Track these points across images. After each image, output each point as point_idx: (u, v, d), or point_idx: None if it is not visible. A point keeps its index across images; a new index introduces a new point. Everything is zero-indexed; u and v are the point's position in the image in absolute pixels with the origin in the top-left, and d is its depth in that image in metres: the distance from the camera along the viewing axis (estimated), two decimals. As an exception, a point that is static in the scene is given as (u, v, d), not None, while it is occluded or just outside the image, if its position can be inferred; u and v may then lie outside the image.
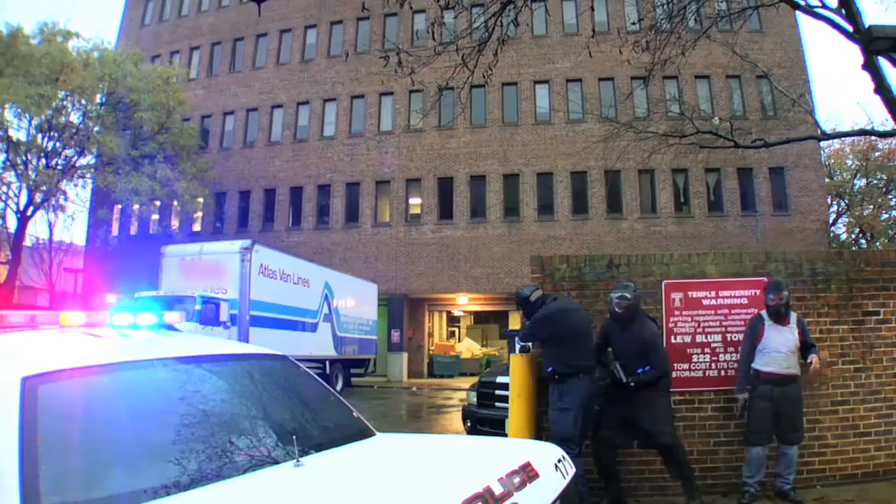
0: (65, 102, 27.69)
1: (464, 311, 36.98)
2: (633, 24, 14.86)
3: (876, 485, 7.00)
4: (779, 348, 6.60)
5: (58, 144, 28.26)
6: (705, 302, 7.24)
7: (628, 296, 6.46)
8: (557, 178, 30.34)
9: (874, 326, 7.36)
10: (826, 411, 7.21)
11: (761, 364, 6.68)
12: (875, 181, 40.30)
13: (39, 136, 27.98)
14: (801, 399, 6.67)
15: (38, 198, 27.97)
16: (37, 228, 52.16)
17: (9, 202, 28.92)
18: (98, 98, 28.62)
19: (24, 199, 28.49)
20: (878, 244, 39.26)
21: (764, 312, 6.80)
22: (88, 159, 29.74)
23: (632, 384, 6.31)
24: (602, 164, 27.68)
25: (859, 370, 7.27)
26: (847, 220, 41.16)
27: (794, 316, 6.74)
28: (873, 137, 30.27)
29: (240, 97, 34.70)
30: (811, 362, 6.52)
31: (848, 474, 7.14)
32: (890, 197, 40.46)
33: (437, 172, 31.37)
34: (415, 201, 31.92)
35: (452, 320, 38.71)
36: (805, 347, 6.67)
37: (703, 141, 15.75)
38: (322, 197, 32.68)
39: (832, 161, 40.18)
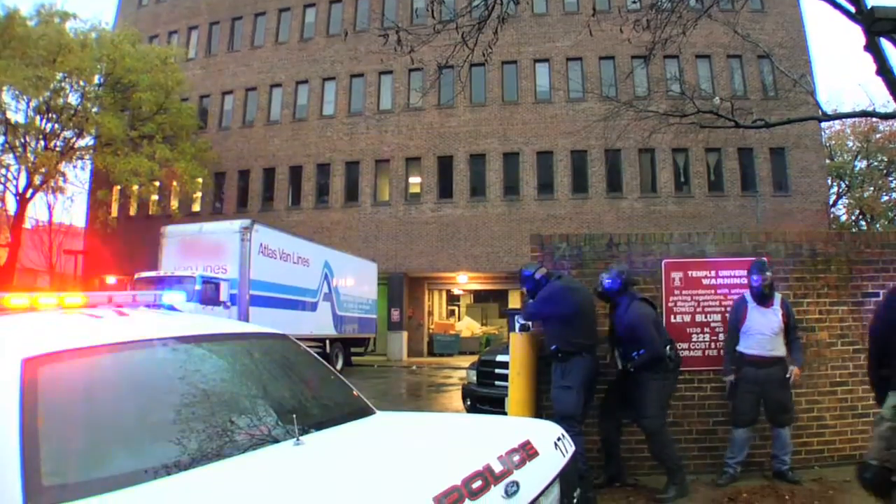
0: (63, 84, 27.57)
1: (463, 290, 37.04)
2: (634, 2, 14.70)
3: None
4: (762, 330, 6.59)
5: (56, 126, 28.24)
6: (705, 281, 7.25)
7: (615, 276, 6.54)
8: (557, 156, 30.28)
9: (874, 308, 7.34)
10: (825, 392, 7.24)
11: (745, 346, 6.68)
12: (876, 163, 40.28)
13: (37, 117, 27.96)
14: (787, 381, 6.65)
15: (36, 180, 27.97)
16: (36, 211, 52.41)
17: (7, 185, 28.95)
18: (96, 79, 28.51)
19: (22, 182, 28.57)
20: (878, 226, 39.26)
21: (748, 294, 6.78)
22: (87, 140, 29.72)
23: (631, 370, 6.37)
24: (602, 143, 27.59)
25: (858, 351, 7.26)
26: (847, 201, 41.22)
27: (778, 297, 6.72)
28: (874, 119, 30.11)
29: (238, 77, 34.55)
30: (790, 376, 6.56)
31: (846, 455, 7.15)
32: (890, 179, 40.45)
33: (436, 151, 31.31)
34: (414, 180, 31.86)
35: (452, 299, 38.76)
36: (790, 330, 6.66)
37: (703, 121, 15.66)
38: (321, 176, 32.63)
39: (833, 142, 40.10)
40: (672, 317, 7.19)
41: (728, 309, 7.14)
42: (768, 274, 6.62)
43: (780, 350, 6.60)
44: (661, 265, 7.30)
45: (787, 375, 6.53)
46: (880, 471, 3.78)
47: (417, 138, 31.55)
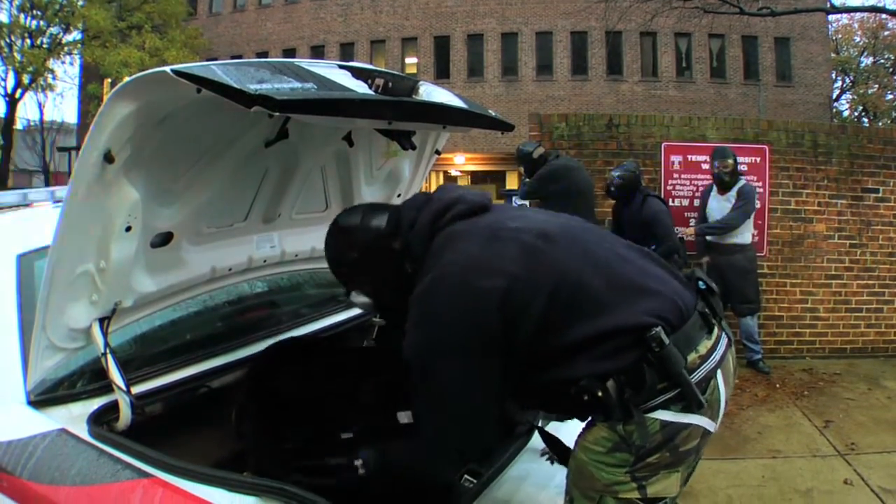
0: (46, -22, 26.72)
1: (461, 171, 36.83)
2: None
3: (863, 360, 7.25)
4: (716, 217, 6.69)
5: (42, 23, 27.48)
6: (704, 167, 7.21)
7: (626, 174, 6.44)
8: (557, 37, 29.63)
9: (872, 204, 7.45)
10: (819, 284, 7.39)
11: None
12: (882, 61, 39.57)
13: (21, 16, 27.12)
14: (749, 270, 6.72)
15: (25, 79, 27.46)
16: (27, 111, 51.78)
17: (-5, 87, 28.45)
18: (80, -29, 27.58)
19: (11, 82, 28.05)
20: (880, 124, 38.85)
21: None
22: (74, 35, 28.93)
23: None
24: (603, 25, 26.71)
25: (854, 246, 7.41)
26: (851, 97, 40.65)
27: (739, 184, 6.68)
28: (884, 16, 29.35)
29: (227, -43, 33.44)
30: (680, 234, 6.72)
31: (837, 348, 7.41)
32: (896, 78, 39.85)
33: (433, 31, 30.61)
34: (411, 61, 31.24)
35: (450, 180, 38.69)
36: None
37: (707, 5, 15.37)
38: (316, 59, 31.90)
39: (839, 36, 39.21)
40: (671, 200, 7.19)
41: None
42: (729, 161, 6.59)
43: (736, 237, 6.63)
44: (660, 148, 7.28)
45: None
46: None
47: (413, 18, 30.77)
